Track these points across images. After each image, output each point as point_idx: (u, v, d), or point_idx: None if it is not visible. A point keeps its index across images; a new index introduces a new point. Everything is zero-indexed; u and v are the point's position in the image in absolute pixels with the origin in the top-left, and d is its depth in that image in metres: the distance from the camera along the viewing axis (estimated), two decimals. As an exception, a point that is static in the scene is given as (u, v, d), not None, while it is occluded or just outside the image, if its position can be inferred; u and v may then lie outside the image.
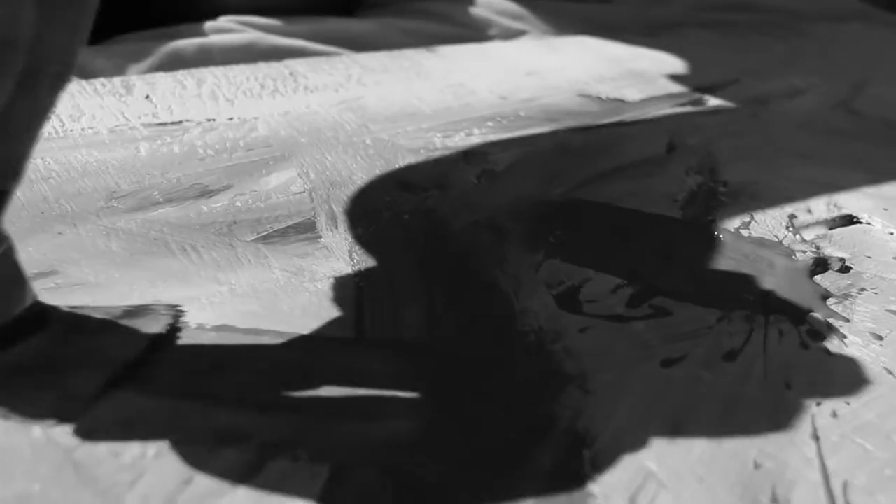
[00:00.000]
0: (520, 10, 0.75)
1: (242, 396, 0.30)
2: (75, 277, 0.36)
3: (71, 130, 0.49)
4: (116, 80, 0.57)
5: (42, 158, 0.46)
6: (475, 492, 0.27)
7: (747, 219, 0.44)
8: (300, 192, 0.44)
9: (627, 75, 0.64)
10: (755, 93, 0.63)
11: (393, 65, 0.63)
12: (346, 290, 0.36)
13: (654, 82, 0.63)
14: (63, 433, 0.28)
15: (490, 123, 0.54)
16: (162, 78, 0.58)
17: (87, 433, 0.28)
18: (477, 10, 0.73)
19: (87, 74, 0.59)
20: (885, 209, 0.45)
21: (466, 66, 0.64)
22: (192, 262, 0.37)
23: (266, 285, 0.36)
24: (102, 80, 0.57)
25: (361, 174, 0.46)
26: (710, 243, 0.42)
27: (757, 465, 0.28)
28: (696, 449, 0.29)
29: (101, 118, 0.51)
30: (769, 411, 0.31)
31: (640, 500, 0.27)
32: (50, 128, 0.49)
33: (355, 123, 0.53)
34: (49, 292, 0.35)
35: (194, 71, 0.59)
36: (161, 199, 0.43)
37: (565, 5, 0.77)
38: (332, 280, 0.37)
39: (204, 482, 0.26)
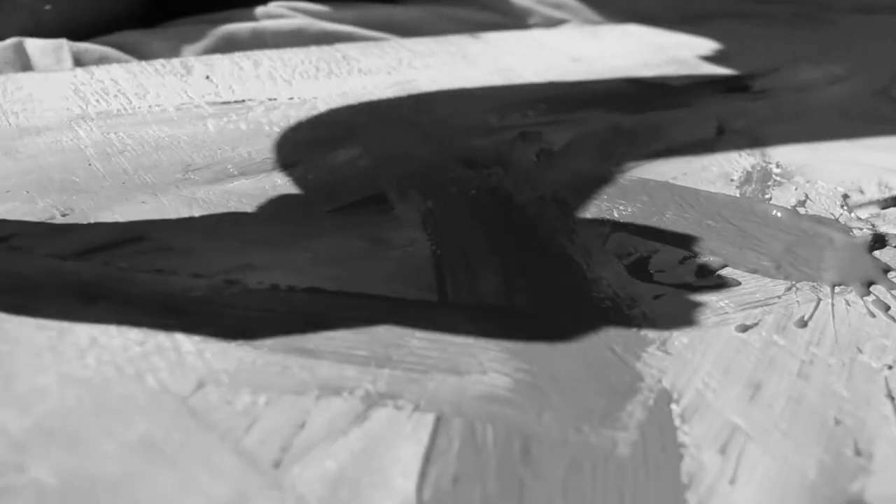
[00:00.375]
0: None
1: (341, 352, 0.31)
2: (164, 243, 0.37)
3: (139, 108, 0.51)
4: (175, 62, 0.58)
5: (115, 133, 0.47)
6: (574, 440, 0.28)
7: (802, 198, 0.45)
8: (367, 167, 0.45)
9: (671, 62, 0.66)
10: (795, 80, 0.64)
11: (440, 49, 0.65)
12: (424, 257, 0.37)
13: (697, 69, 0.65)
14: (175, 382, 0.29)
15: (542, 106, 0.55)
16: (219, 59, 0.59)
17: (199, 384, 0.29)
18: (518, -1, 0.74)
19: (144, 56, 0.60)
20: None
21: (512, 51, 0.65)
22: (273, 231, 0.39)
23: (347, 252, 0.37)
24: (162, 60, 0.58)
25: (423, 152, 0.48)
26: (769, 220, 0.43)
27: (837, 422, 0.29)
28: (777, 406, 0.30)
29: (165, 96, 0.53)
30: (843, 373, 0.32)
31: (730, 451, 0.28)
32: (118, 104, 0.51)
33: (412, 104, 0.54)
34: (140, 257, 0.36)
35: (250, 53, 0.60)
36: (235, 172, 0.44)
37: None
38: (408, 248, 0.38)
39: (316, 427, 0.28)
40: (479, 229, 0.40)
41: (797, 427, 0.29)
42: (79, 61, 0.58)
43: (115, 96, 0.52)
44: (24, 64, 0.58)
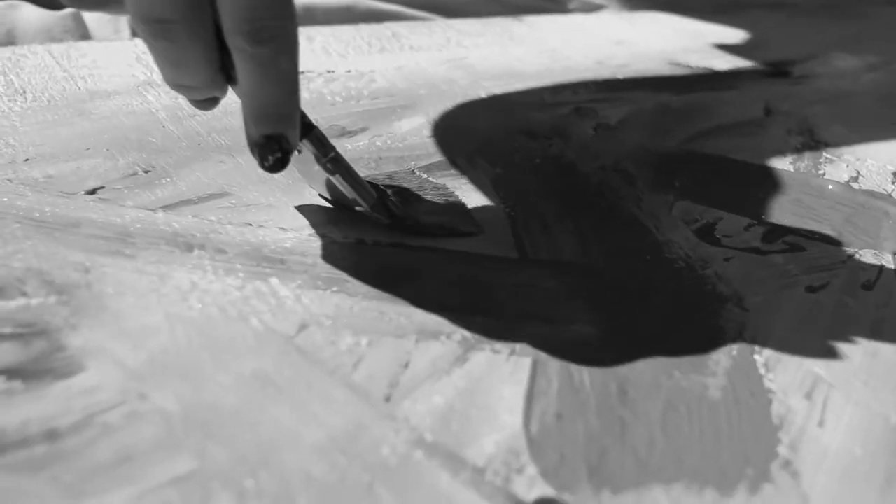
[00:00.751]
0: (596, -14, 0.77)
1: (433, 302, 0.32)
2: (248, 199, 0.38)
3: (201, 76, 0.52)
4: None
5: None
6: (667, 384, 0.29)
7: (854, 174, 0.47)
8: (432, 136, 0.47)
9: (711, 47, 0.67)
10: (833, 67, 0.65)
11: (486, 30, 0.66)
12: (499, 217, 0.39)
13: (736, 54, 0.66)
14: (278, 323, 0.30)
15: (591, 85, 0.56)
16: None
17: (301, 325, 0.30)
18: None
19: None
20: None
21: (555, 33, 0.66)
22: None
23: (424, 212, 0.39)
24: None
25: (483, 123, 0.49)
26: (825, 193, 0.44)
27: (912, 374, 0.31)
28: (854, 359, 0.31)
29: (226, 66, 0.54)
30: (913, 332, 0.33)
31: (815, 397, 0.29)
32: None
33: (466, 79, 0.55)
34: (226, 211, 0.37)
35: (302, 29, 0.61)
36: (305, 137, 0.45)
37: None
38: (483, 209, 0.39)
39: (420, 367, 0.29)
40: (549, 194, 0.41)
41: (875, 377, 0.30)
42: (135, 32, 0.59)
43: (177, 65, 0.53)
44: (82, 34, 0.59)
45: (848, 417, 0.28)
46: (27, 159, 0.40)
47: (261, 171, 0.33)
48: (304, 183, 0.40)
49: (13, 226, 0.35)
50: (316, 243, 0.35)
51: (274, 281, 0.33)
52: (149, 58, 0.54)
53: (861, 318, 0.34)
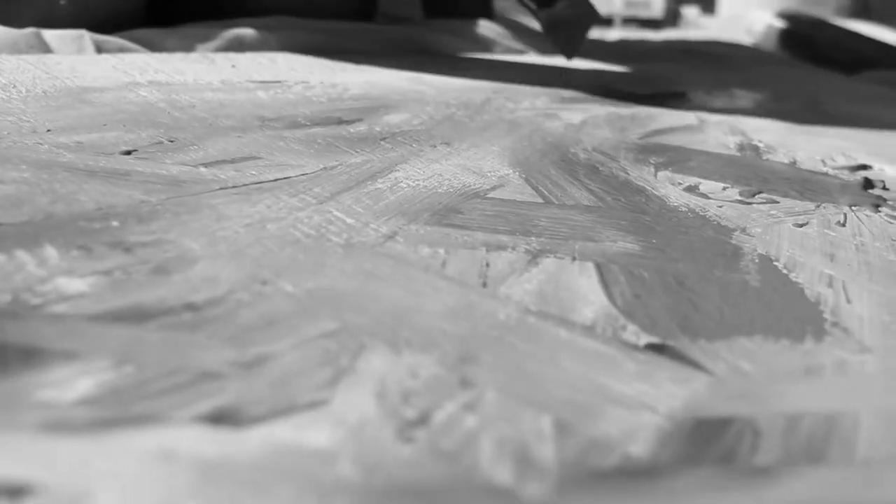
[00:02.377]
0: (507, 33, 0.84)
1: (488, 226, 0.35)
2: (278, 161, 0.40)
3: (185, 81, 0.54)
4: (195, 55, 0.61)
5: (177, 95, 0.50)
6: (713, 277, 0.33)
7: (792, 160, 0.53)
8: (421, 124, 0.50)
9: (627, 80, 0.74)
10: (704, 102, 0.73)
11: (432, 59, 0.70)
12: (517, 182, 0.42)
13: (647, 86, 0.73)
14: (357, 239, 0.32)
15: (546, 97, 0.61)
16: (236, 56, 0.62)
17: (384, 236, 0.32)
18: (483, 30, 0.82)
19: (160, 51, 0.63)
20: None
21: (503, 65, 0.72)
22: (372, 158, 0.42)
23: (444, 176, 0.42)
24: (179, 54, 0.61)
25: (462, 117, 0.53)
26: (776, 168, 0.50)
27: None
28: (853, 265, 0.36)
29: (203, 75, 0.56)
30: (891, 248, 0.38)
31: (835, 286, 0.34)
32: (164, 78, 0.53)
33: (432, 91, 0.59)
34: (263, 168, 0.39)
35: (264, 53, 0.64)
36: (308, 123, 0.47)
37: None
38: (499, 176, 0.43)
39: (501, 266, 0.32)
40: (549, 164, 0.45)
41: (876, 275, 0.35)
42: (100, 50, 0.60)
43: (157, 73, 0.55)
44: (45, 50, 0.59)
45: (867, 297, 0.33)
46: (49, 130, 0.41)
47: (280, 143, 0.35)
48: (323, 151, 0.42)
49: (64, 173, 0.35)
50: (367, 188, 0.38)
51: (336, 213, 0.35)
52: (124, 67, 0.55)
53: (844, 243, 0.39)
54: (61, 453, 0.19)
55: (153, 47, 0.62)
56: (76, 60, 0.56)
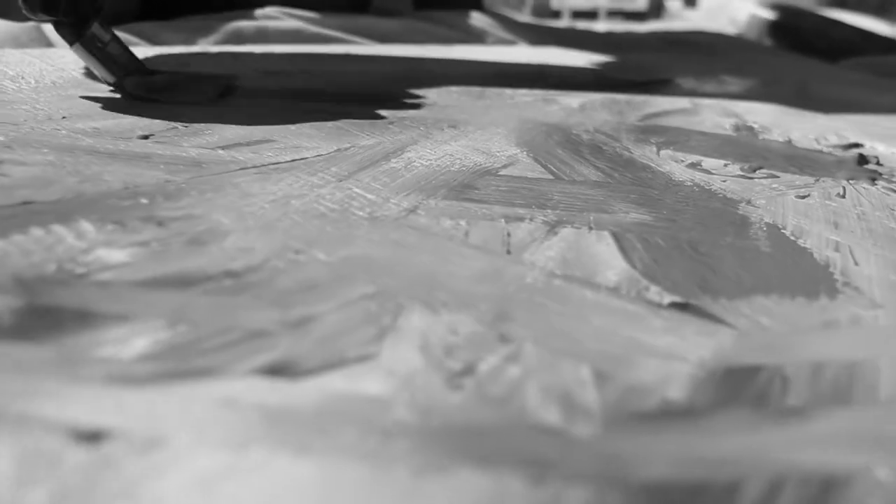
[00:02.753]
0: (496, 24, 0.85)
1: (504, 200, 0.36)
2: (292, 143, 0.41)
3: (188, 74, 0.54)
4: (194, 49, 0.62)
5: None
6: (727, 243, 0.34)
7: (787, 139, 0.54)
8: (427, 108, 0.51)
9: (620, 66, 0.75)
10: (695, 87, 0.75)
11: (432, 50, 0.71)
12: (526, 162, 0.43)
13: (634, 74, 0.74)
14: (380, 213, 0.33)
15: (541, 84, 0.62)
16: (235, 49, 0.63)
17: (406, 210, 0.33)
18: (475, 21, 0.83)
19: (159, 44, 0.63)
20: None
21: (492, 54, 0.73)
22: (383, 140, 0.43)
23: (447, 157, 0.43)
24: (181, 47, 0.62)
25: (465, 101, 0.53)
26: (772, 146, 0.51)
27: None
28: (857, 232, 0.37)
29: (205, 67, 0.56)
30: (890, 216, 0.40)
31: (841, 250, 0.35)
32: (167, 68, 0.54)
33: (432, 74, 0.60)
34: (279, 150, 0.40)
35: (257, 46, 0.65)
36: (318, 100, 0.48)
37: (532, 25, 0.88)
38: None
39: (520, 236, 0.32)
40: (555, 145, 0.46)
41: (880, 241, 0.36)
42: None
43: (161, 64, 0.55)
44: (46, 45, 0.60)
45: (874, 259, 0.34)
46: (64, 117, 0.41)
47: (295, 126, 0.36)
48: (335, 134, 0.43)
49: (86, 157, 0.36)
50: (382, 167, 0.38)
51: (356, 189, 0.35)
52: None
53: (846, 212, 0.40)
54: (129, 403, 0.19)
55: (152, 40, 0.63)
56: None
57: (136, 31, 0.63)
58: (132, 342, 0.22)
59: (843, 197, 0.42)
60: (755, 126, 0.57)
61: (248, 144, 0.40)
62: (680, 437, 0.21)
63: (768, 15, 1.07)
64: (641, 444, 0.20)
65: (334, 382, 0.21)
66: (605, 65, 0.78)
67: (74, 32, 0.43)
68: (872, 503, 0.18)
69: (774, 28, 1.06)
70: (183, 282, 0.26)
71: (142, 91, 0.44)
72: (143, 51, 0.60)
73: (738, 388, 0.23)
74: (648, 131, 0.52)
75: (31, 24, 0.59)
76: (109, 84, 0.44)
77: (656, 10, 1.23)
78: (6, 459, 0.17)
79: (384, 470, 0.18)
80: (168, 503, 0.16)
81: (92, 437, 0.18)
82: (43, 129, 0.39)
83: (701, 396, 0.22)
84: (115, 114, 0.43)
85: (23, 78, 0.48)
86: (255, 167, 0.37)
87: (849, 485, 0.19)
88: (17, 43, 0.58)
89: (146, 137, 0.40)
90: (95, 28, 0.43)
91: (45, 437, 0.18)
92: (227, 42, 0.65)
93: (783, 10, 1.07)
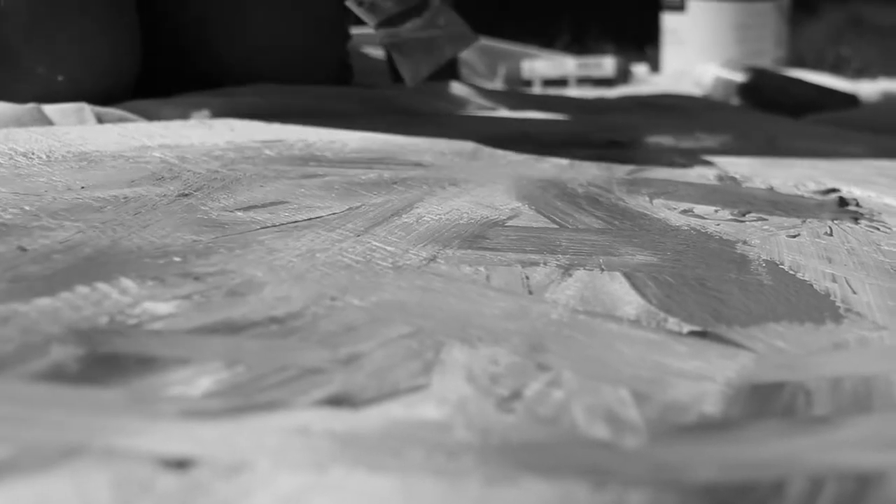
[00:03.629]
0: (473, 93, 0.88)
1: (516, 248, 0.38)
2: (305, 204, 0.43)
3: (190, 144, 0.56)
4: (191, 122, 0.64)
5: (188, 154, 0.52)
6: (731, 278, 0.36)
7: (769, 186, 0.57)
8: (425, 170, 0.53)
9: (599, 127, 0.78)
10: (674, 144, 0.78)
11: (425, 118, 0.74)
12: (530, 214, 0.45)
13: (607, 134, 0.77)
14: (402, 262, 0.35)
15: (529, 143, 0.65)
16: (230, 121, 0.65)
17: (426, 259, 0.35)
18: (456, 90, 0.86)
19: (157, 119, 0.65)
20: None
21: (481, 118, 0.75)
22: (391, 199, 0.45)
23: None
24: (178, 121, 0.64)
25: (461, 162, 0.56)
26: (756, 193, 0.54)
27: (893, 270, 0.39)
28: (850, 265, 0.39)
29: (206, 137, 0.58)
30: (877, 251, 0.42)
31: (839, 281, 0.37)
32: (173, 141, 0.56)
33: (423, 143, 0.62)
34: (294, 211, 0.41)
35: (251, 120, 0.67)
36: (322, 173, 0.50)
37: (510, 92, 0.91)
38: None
39: (538, 279, 0.34)
40: (554, 198, 0.48)
41: (872, 272, 0.38)
42: (100, 120, 0.63)
43: (163, 137, 0.57)
44: (47, 124, 0.61)
45: (869, 288, 0.36)
46: (83, 187, 0.43)
47: (302, 189, 0.38)
48: (348, 193, 0.45)
49: (112, 221, 0.37)
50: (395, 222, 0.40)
51: (374, 243, 0.37)
52: (131, 133, 0.58)
53: (836, 248, 0.42)
54: (207, 435, 0.21)
55: (150, 116, 0.64)
56: (83, 130, 0.58)
57: (135, 109, 0.65)
58: (197, 382, 0.23)
59: (831, 235, 0.45)
60: (737, 176, 0.60)
61: (263, 206, 0.42)
62: (722, 445, 0.22)
63: (733, 76, 1.12)
64: (688, 452, 0.21)
65: (393, 410, 0.22)
66: (585, 126, 0.80)
67: None
68: (908, 495, 0.20)
69: (739, 88, 1.11)
70: (231, 328, 0.27)
71: None
72: (145, 126, 0.62)
73: (766, 402, 0.25)
74: (638, 183, 0.54)
75: (31, 105, 0.61)
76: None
77: (623, 76, 1.28)
78: (102, 487, 0.18)
79: (457, 482, 0.19)
80: (264, 517, 0.18)
81: (179, 464, 0.19)
82: (65, 198, 0.41)
83: (734, 410, 0.24)
84: (130, 182, 0.45)
85: (33, 154, 0.50)
86: (274, 226, 0.38)
87: (883, 481, 0.21)
88: (20, 123, 0.59)
89: (186, 195, 0.41)
90: None
91: (134, 466, 0.19)
92: (223, 115, 0.67)
93: (746, 71, 1.12)
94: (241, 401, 0.22)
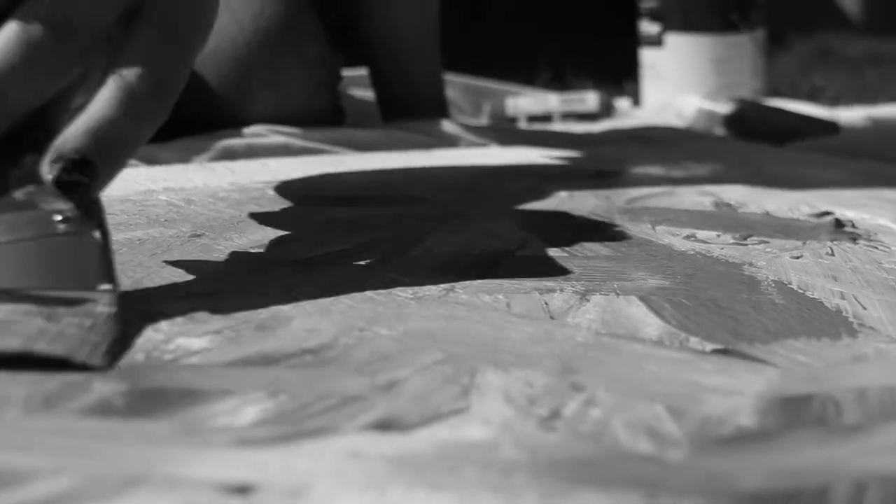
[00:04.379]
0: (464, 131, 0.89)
1: (530, 280, 0.38)
2: (314, 240, 0.43)
3: (194, 186, 0.56)
4: (192, 166, 0.64)
5: (194, 197, 0.53)
6: (743, 298, 0.36)
7: (766, 211, 0.58)
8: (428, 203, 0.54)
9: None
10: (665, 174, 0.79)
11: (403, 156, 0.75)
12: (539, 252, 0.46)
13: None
14: (422, 293, 0.35)
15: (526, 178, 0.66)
16: (230, 164, 0.66)
17: (442, 293, 0.35)
18: (446, 128, 0.87)
19: (154, 163, 0.66)
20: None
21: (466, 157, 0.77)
22: (399, 234, 0.46)
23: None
24: (179, 165, 0.64)
25: (462, 195, 0.56)
26: (755, 217, 0.55)
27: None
28: (855, 283, 0.40)
29: (209, 180, 0.59)
30: (879, 269, 0.43)
31: (847, 298, 0.38)
32: (177, 184, 0.56)
33: (421, 176, 0.63)
34: (302, 249, 0.42)
35: (250, 161, 0.68)
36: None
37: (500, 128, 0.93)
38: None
39: (557, 305, 0.35)
40: (562, 228, 0.49)
41: (879, 288, 0.39)
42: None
43: (166, 181, 0.57)
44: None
45: (878, 304, 0.37)
46: (95, 231, 0.43)
47: (310, 226, 0.39)
48: (356, 228, 0.45)
49: (128, 263, 0.38)
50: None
51: (394, 275, 0.38)
52: (135, 177, 0.58)
53: (840, 267, 0.43)
54: (262, 461, 0.21)
55: (151, 161, 0.65)
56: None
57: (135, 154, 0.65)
58: (243, 412, 0.24)
59: (833, 255, 0.46)
60: (732, 202, 0.61)
61: (275, 244, 0.42)
62: (763, 454, 0.22)
63: (716, 107, 1.14)
64: (732, 462, 0.22)
65: (439, 433, 0.23)
66: (575, 159, 0.82)
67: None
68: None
69: (723, 119, 1.13)
70: (266, 360, 0.27)
71: None
72: (146, 171, 0.62)
73: (798, 413, 0.25)
74: (639, 212, 0.55)
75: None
76: None
77: (606, 110, 1.29)
78: (170, 513, 0.18)
79: (514, 498, 0.19)
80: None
81: (240, 490, 0.19)
82: (78, 242, 0.41)
83: (768, 421, 0.25)
84: (140, 226, 0.45)
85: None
86: (288, 263, 0.39)
87: (924, 482, 0.21)
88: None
89: (198, 236, 0.42)
90: None
91: (197, 493, 0.19)
92: (221, 158, 0.68)
93: (730, 102, 1.14)
94: (289, 428, 0.23)
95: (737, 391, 0.26)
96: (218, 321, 0.31)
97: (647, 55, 1.37)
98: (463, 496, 0.19)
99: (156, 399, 0.24)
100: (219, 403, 0.24)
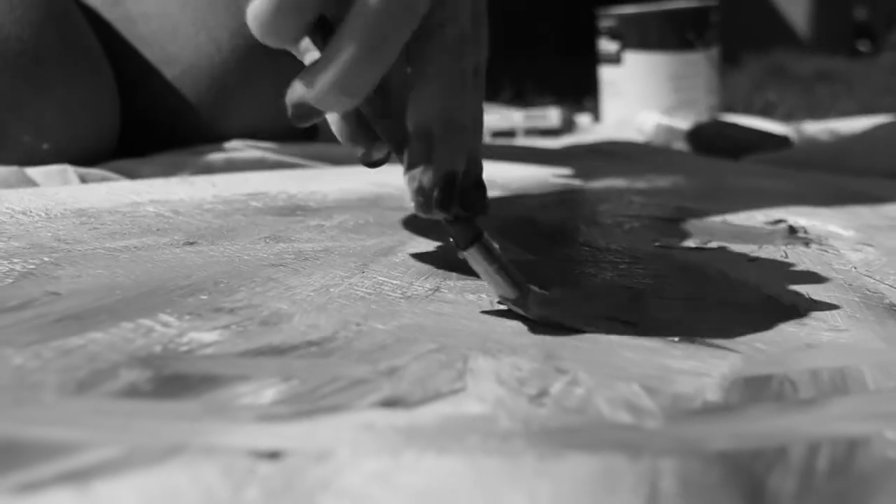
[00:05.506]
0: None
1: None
2: (305, 247, 0.46)
3: (179, 199, 0.58)
4: (174, 179, 0.66)
5: (180, 208, 0.55)
6: (746, 297, 0.40)
7: (724, 219, 0.62)
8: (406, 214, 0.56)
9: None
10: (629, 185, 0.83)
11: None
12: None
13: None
14: (411, 292, 0.38)
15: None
16: (211, 178, 0.68)
17: (428, 292, 0.38)
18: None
19: (138, 178, 0.67)
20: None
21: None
22: (380, 240, 0.48)
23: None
24: (160, 179, 0.66)
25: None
26: (716, 224, 0.58)
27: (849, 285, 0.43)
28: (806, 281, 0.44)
29: (192, 193, 0.61)
30: (833, 265, 0.46)
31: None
32: (163, 196, 0.58)
33: (395, 192, 0.66)
34: (293, 254, 0.44)
35: (230, 175, 0.70)
36: (339, 207, 0.53)
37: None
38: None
39: (538, 300, 0.37)
40: (533, 235, 0.52)
41: (829, 287, 0.43)
42: (83, 181, 0.65)
43: (150, 194, 0.59)
44: (31, 186, 0.63)
45: (829, 300, 0.40)
46: (93, 238, 0.45)
47: (298, 234, 0.41)
48: (340, 232, 0.48)
49: (132, 266, 0.40)
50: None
51: (383, 277, 0.40)
52: (121, 191, 0.60)
53: (799, 263, 0.47)
54: (286, 433, 0.23)
55: (132, 175, 0.67)
56: (71, 190, 0.60)
57: (116, 168, 0.67)
58: (262, 393, 0.26)
59: (787, 258, 0.49)
60: (693, 210, 0.64)
61: (266, 251, 0.44)
62: (729, 422, 0.25)
63: (676, 123, 1.18)
64: (702, 429, 0.25)
65: (442, 409, 0.25)
66: (540, 173, 0.85)
67: (470, 231, 0.34)
68: (891, 453, 0.24)
69: (683, 134, 1.17)
70: (275, 351, 0.30)
71: (551, 312, 0.34)
72: (130, 184, 0.64)
73: (759, 390, 0.28)
74: (605, 220, 0.58)
75: (14, 168, 0.63)
76: (508, 300, 0.34)
77: (568, 126, 1.33)
78: (214, 475, 0.21)
79: (515, 459, 0.22)
80: (360, 490, 0.20)
81: (272, 455, 0.22)
82: (78, 250, 0.43)
83: (732, 397, 0.27)
84: (133, 234, 0.47)
85: (31, 212, 0.52)
86: (282, 265, 0.41)
87: (869, 444, 0.24)
88: (7, 184, 0.61)
89: (191, 244, 0.44)
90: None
91: (233, 458, 0.22)
92: (202, 172, 0.70)
93: (690, 119, 1.18)
94: (306, 406, 0.25)
95: (704, 373, 0.29)
96: (224, 318, 0.33)
97: (606, 72, 1.42)
98: (469, 459, 0.22)
99: (180, 384, 0.26)
100: (239, 386, 0.26)
